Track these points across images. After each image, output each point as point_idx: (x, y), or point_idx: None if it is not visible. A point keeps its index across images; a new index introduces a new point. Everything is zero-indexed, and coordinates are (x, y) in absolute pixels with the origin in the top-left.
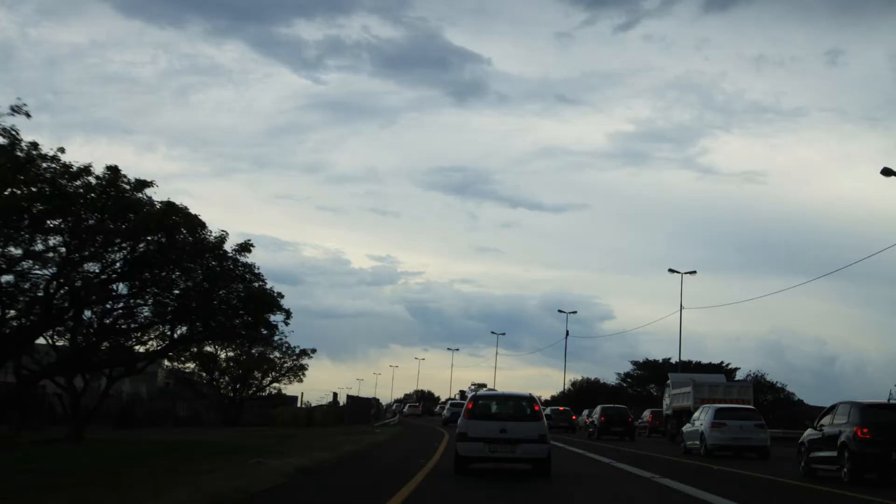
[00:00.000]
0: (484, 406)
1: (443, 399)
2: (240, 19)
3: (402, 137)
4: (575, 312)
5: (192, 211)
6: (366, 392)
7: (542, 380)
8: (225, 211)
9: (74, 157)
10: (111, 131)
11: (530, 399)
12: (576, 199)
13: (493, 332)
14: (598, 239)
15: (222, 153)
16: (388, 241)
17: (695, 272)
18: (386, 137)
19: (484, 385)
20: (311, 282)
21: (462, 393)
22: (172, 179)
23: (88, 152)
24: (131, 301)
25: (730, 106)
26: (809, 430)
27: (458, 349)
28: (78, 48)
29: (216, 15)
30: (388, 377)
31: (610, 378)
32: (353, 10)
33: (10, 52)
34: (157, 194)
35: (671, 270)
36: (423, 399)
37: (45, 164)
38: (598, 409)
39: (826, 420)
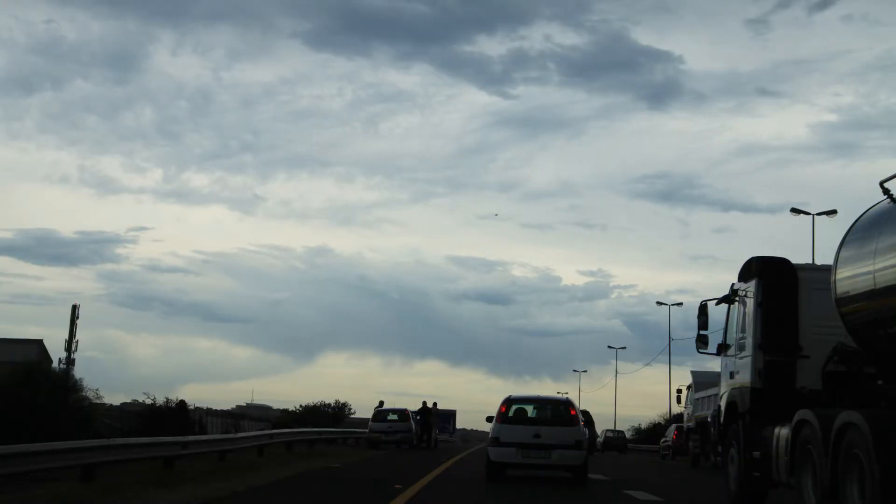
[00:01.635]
0: (518, 410)
1: None
2: (423, 42)
3: (593, 147)
4: (681, 304)
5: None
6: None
7: None
8: (428, 236)
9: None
10: (310, 165)
11: (567, 403)
12: (790, 198)
13: (610, 347)
14: (814, 238)
15: (416, 178)
16: (598, 255)
17: None
18: (575, 148)
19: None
20: (523, 300)
21: None
22: (375, 209)
23: (293, 187)
24: None
25: None
26: None
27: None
28: (268, 87)
29: (401, 40)
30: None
31: None
32: (534, 20)
33: (209, 96)
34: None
35: None
36: None
37: None
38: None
39: None
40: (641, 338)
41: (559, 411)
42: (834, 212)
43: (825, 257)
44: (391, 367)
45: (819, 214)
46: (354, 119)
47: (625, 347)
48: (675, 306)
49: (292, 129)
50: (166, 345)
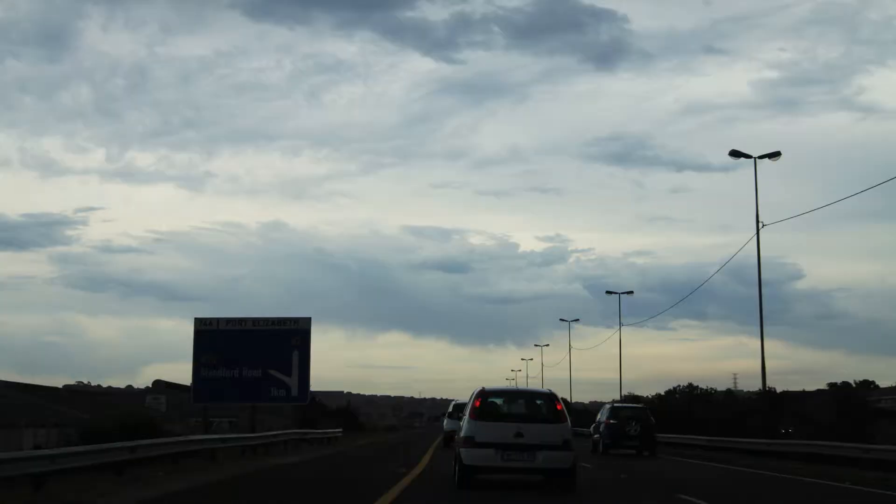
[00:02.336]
0: (495, 404)
1: None
2: (365, 8)
3: (540, 111)
4: (631, 293)
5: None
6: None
7: (739, 349)
8: (382, 207)
9: (226, 168)
10: (255, 139)
11: (552, 396)
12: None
13: (562, 320)
14: (770, 195)
15: (364, 149)
16: (555, 220)
17: None
18: (521, 113)
19: None
20: (482, 268)
21: None
22: (325, 181)
23: (239, 163)
24: None
25: (878, 37)
26: None
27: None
28: (205, 60)
29: (342, 7)
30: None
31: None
32: None
33: (145, 72)
34: None
35: None
36: None
37: None
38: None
39: None
40: (602, 301)
41: (543, 406)
42: (777, 154)
43: (770, 205)
44: (354, 340)
45: (761, 157)
46: (296, 91)
47: (577, 319)
48: (625, 294)
49: (233, 103)
50: (127, 326)
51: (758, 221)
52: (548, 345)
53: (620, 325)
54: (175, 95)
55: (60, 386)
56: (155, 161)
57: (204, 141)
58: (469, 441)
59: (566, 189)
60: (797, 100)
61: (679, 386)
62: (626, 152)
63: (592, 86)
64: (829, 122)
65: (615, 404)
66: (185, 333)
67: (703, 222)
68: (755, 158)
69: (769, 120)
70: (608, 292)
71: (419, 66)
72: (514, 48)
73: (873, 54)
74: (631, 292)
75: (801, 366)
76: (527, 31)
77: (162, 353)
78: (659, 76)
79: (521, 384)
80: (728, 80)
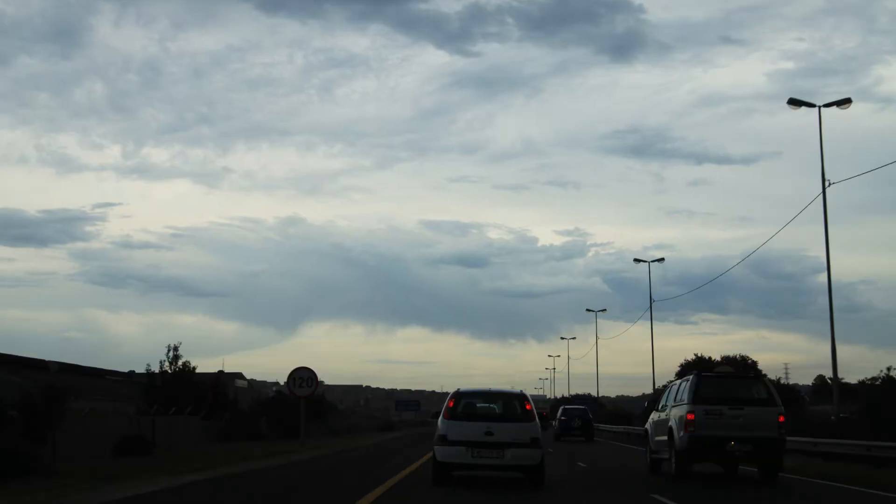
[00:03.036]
0: (467, 405)
1: None
2: (378, 1)
3: (554, 104)
4: (662, 260)
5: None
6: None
7: (760, 343)
8: (398, 202)
9: (241, 163)
10: (269, 134)
11: (521, 396)
12: (761, 148)
13: (588, 310)
14: (789, 188)
15: (378, 144)
16: (573, 214)
17: None
18: (535, 105)
19: None
20: (500, 262)
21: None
22: (340, 176)
23: (254, 158)
24: None
25: None
26: None
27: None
28: (217, 55)
29: (355, 0)
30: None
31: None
32: None
33: (158, 68)
34: None
35: None
36: None
37: None
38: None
39: None
40: (622, 295)
41: (513, 406)
42: (848, 101)
43: (782, 200)
44: (374, 336)
45: (827, 106)
46: (309, 86)
47: (605, 310)
48: (656, 262)
49: (246, 98)
50: (148, 322)
51: (824, 180)
52: (574, 337)
53: (651, 301)
54: (188, 91)
55: None
56: (170, 157)
57: (218, 136)
58: (443, 439)
59: (584, 183)
60: (814, 91)
61: None
62: (644, 145)
63: (607, 78)
64: (847, 114)
65: (565, 406)
66: (206, 330)
67: (723, 216)
68: (819, 107)
69: (786, 111)
70: (636, 260)
71: (432, 59)
72: (529, 40)
73: (891, 44)
74: (662, 259)
75: (824, 360)
76: (541, 23)
77: (184, 350)
78: (675, 68)
79: (552, 379)
80: (744, 71)
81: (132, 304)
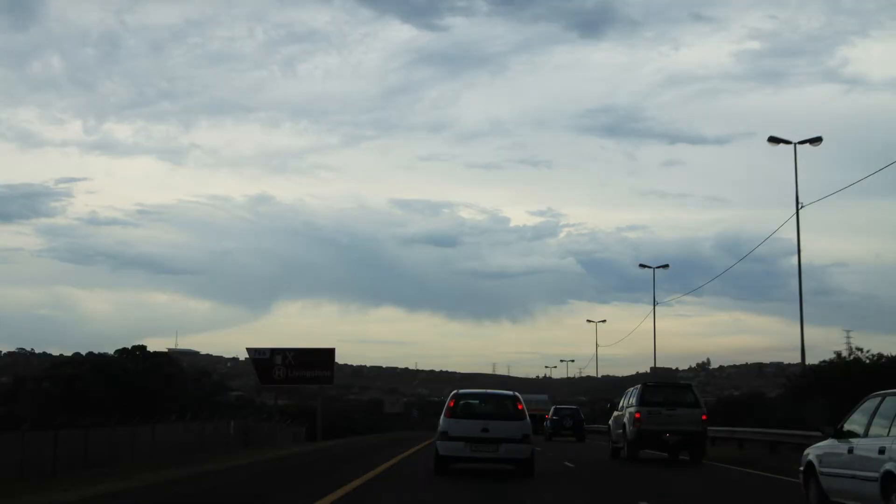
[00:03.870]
0: (466, 405)
1: None
2: None
3: (520, 81)
4: (667, 266)
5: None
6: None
7: (736, 325)
8: (367, 180)
9: (206, 140)
10: (233, 111)
11: (514, 398)
12: (734, 129)
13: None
14: (761, 170)
15: (344, 121)
16: (545, 194)
17: None
18: (501, 84)
19: None
20: (473, 242)
21: None
22: (307, 154)
23: (219, 135)
24: None
25: (861, 6)
26: None
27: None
28: (176, 29)
29: None
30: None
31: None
32: None
33: (116, 41)
34: None
35: None
36: None
37: None
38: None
39: None
40: (595, 276)
41: (506, 406)
42: (819, 139)
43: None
44: (348, 315)
45: (802, 143)
46: (271, 62)
47: (667, 265)
48: (661, 268)
49: (208, 73)
50: (120, 299)
51: (797, 203)
52: (604, 320)
53: (654, 303)
54: (148, 65)
55: None
56: (133, 133)
57: (180, 112)
58: (444, 435)
59: (557, 162)
60: (781, 71)
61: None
62: (616, 124)
63: (573, 56)
64: (814, 95)
65: (556, 406)
66: (179, 308)
67: (697, 196)
68: (795, 144)
69: (753, 91)
70: (641, 265)
71: (395, 35)
72: (497, 14)
73: (856, 25)
74: (667, 265)
75: (794, 342)
76: None
77: (156, 328)
78: (641, 45)
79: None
80: (711, 51)
81: (102, 281)
